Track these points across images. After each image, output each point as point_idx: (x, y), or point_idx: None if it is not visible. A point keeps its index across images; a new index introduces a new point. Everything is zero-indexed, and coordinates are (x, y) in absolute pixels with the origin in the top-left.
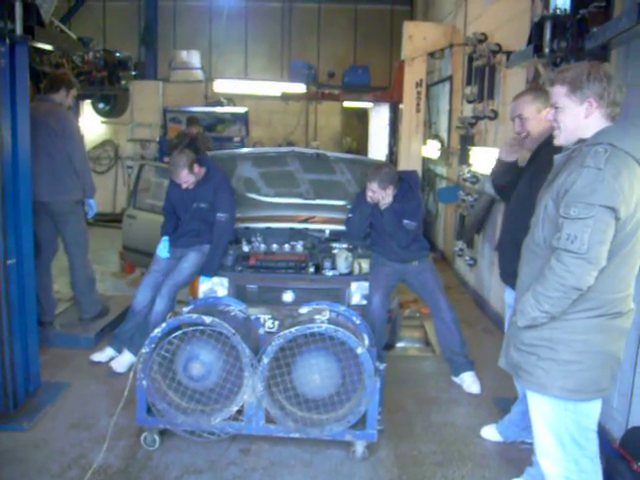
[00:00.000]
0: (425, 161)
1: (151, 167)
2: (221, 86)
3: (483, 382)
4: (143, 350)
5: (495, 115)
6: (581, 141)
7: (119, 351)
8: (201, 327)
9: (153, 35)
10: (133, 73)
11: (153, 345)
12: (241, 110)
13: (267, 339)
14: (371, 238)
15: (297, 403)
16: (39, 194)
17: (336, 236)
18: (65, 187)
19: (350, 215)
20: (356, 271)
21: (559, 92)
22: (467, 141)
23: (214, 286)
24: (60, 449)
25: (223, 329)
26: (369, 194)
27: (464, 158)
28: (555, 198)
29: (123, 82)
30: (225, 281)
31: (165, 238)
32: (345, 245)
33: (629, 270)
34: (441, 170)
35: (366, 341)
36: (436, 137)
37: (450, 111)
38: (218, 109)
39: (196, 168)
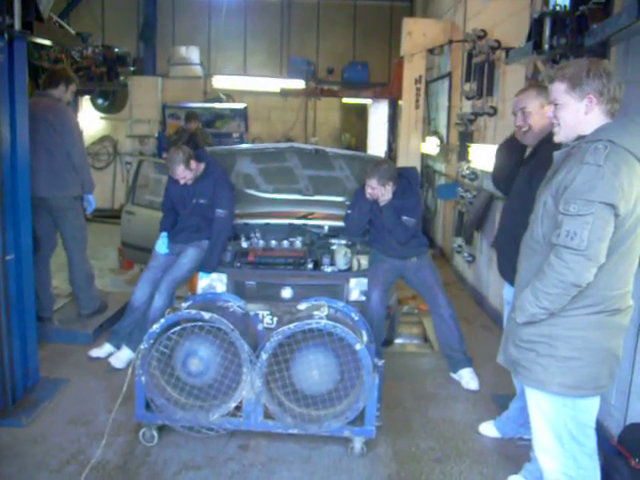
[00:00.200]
0: (424, 157)
1: (150, 163)
2: (220, 82)
3: (481, 378)
4: (142, 346)
5: (494, 111)
6: (581, 138)
7: (118, 347)
8: (200, 323)
9: (152, 31)
10: (132, 69)
11: (152, 341)
12: (240, 106)
13: (266, 335)
14: (370, 234)
15: (295, 399)
16: (38, 190)
17: (335, 232)
18: (64, 183)
19: (349, 211)
20: (355, 267)
21: (558, 89)
22: (466, 138)
23: (213, 282)
24: (58, 445)
25: (222, 325)
26: (368, 190)
27: (463, 154)
28: (554, 195)
29: (122, 78)
30: (224, 277)
31: (164, 234)
32: (344, 241)
33: (628, 267)
34: (440, 166)
35: (365, 337)
36: (435, 133)
37: (449, 107)
38: (217, 105)
39: (193, 164)
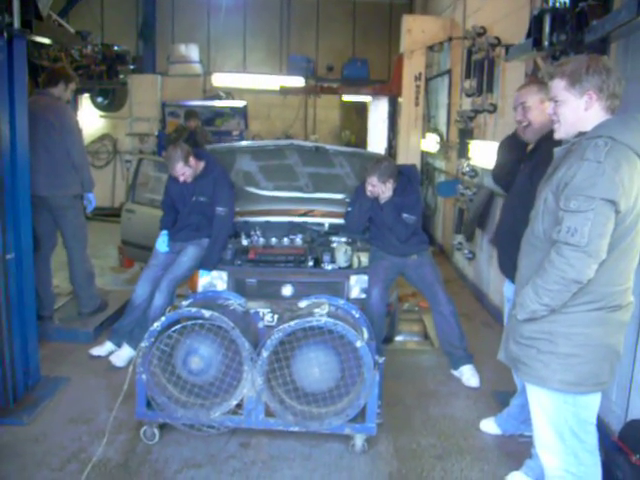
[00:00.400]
0: (424, 155)
1: (150, 161)
2: (219, 80)
3: (482, 375)
4: (142, 344)
5: (494, 108)
6: (581, 134)
7: (118, 345)
8: (200, 321)
9: (151, 29)
10: (131, 67)
11: (152, 339)
12: (240, 104)
13: (266, 333)
14: (370, 232)
15: (296, 397)
16: (38, 188)
17: (335, 230)
18: (64, 181)
19: (349, 209)
20: (355, 265)
21: (558, 85)
22: (466, 135)
23: (213, 280)
24: (59, 443)
25: (222, 323)
26: (369, 188)
27: (463, 152)
28: (555, 191)
29: (121, 76)
30: (224, 275)
31: (164, 232)
32: (344, 239)
33: (628, 263)
34: (440, 164)
35: (365, 335)
36: (435, 131)
37: (449, 105)
38: (217, 103)
39: (192, 161)
